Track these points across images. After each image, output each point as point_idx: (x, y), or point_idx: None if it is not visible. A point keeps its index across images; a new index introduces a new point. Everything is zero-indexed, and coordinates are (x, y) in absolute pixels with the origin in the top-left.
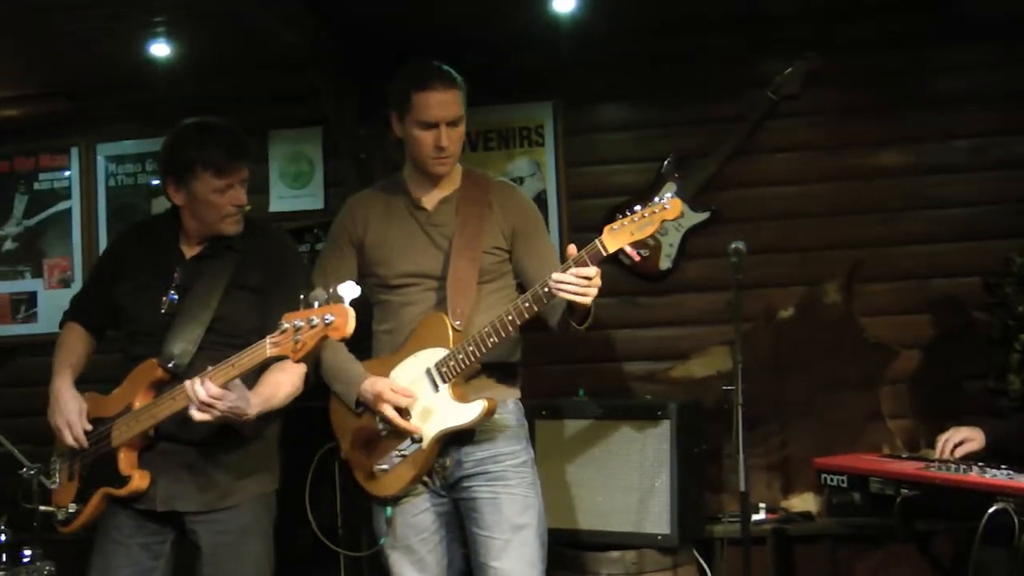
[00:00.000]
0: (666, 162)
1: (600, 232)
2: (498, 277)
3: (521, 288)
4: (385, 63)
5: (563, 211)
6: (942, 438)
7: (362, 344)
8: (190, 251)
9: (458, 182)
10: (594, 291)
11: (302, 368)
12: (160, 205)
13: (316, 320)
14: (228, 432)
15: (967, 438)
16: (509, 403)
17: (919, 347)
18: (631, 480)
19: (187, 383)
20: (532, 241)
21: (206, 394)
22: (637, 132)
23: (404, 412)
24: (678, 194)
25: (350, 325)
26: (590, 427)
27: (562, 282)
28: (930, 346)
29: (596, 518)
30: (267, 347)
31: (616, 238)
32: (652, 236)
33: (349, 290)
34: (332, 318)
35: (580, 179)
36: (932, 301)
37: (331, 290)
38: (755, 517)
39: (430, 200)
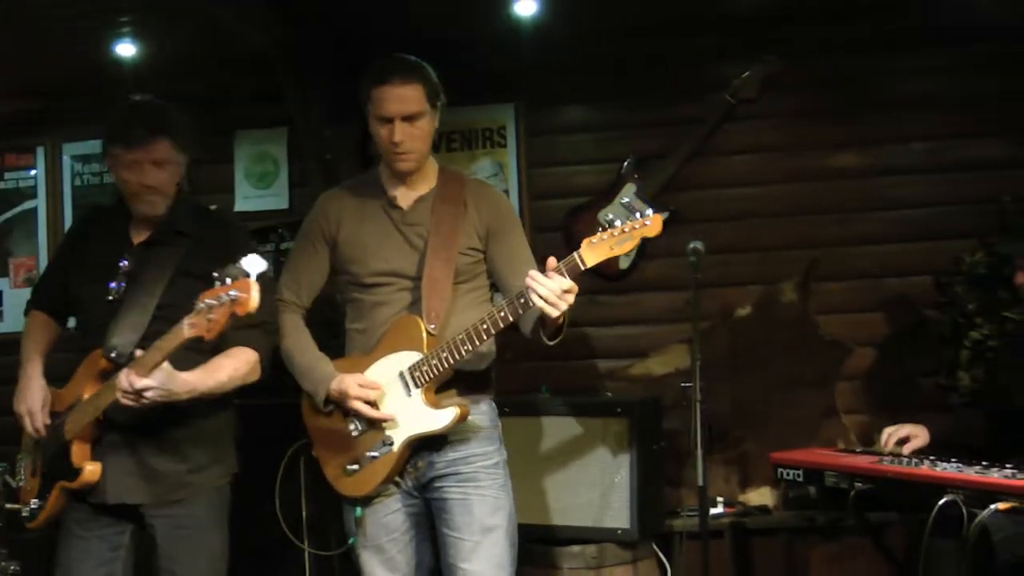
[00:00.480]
0: (626, 163)
1: (567, 235)
2: (473, 277)
3: (495, 288)
4: (350, 64)
5: (525, 211)
6: (886, 431)
7: (332, 343)
8: (138, 237)
9: (434, 181)
10: (566, 304)
11: (249, 355)
12: None
13: (224, 297)
14: (178, 424)
15: (911, 434)
16: (483, 405)
17: (873, 345)
18: (592, 476)
19: (120, 373)
20: (507, 241)
21: (130, 385)
22: (597, 134)
23: (373, 405)
24: (639, 194)
25: (253, 299)
26: (552, 424)
27: (538, 283)
28: (884, 344)
29: (557, 513)
30: (184, 328)
31: (595, 252)
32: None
33: (253, 263)
34: (236, 294)
35: (542, 180)
36: (885, 300)
37: (238, 265)
38: (713, 511)
39: (405, 199)
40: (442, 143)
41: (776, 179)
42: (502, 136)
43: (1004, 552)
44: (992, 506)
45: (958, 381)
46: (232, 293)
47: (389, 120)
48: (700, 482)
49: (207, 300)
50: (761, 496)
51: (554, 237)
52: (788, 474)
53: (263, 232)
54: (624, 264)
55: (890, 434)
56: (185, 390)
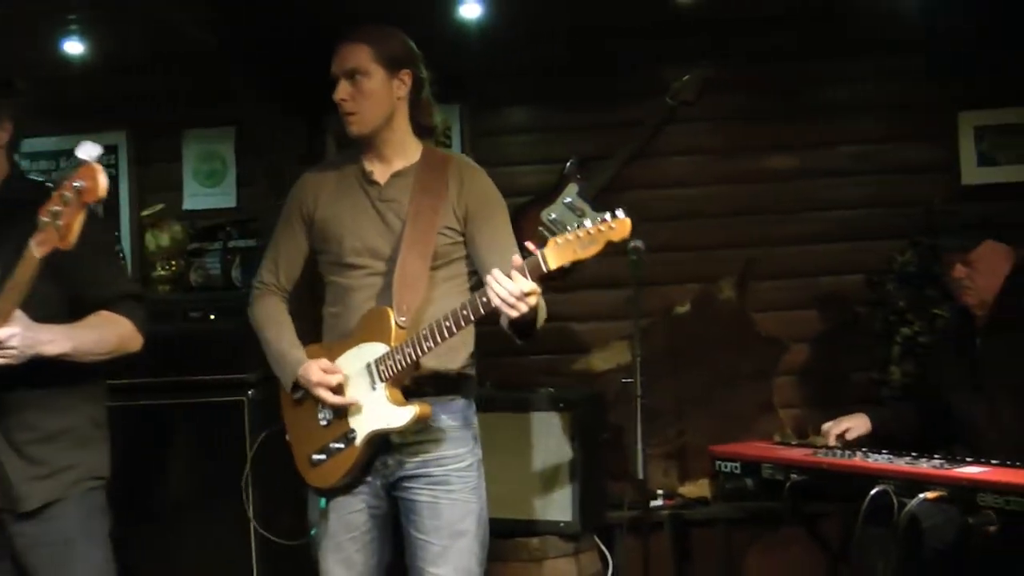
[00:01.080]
0: (568, 164)
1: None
2: (449, 263)
3: (475, 275)
4: (296, 65)
5: None
6: (826, 427)
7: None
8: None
9: (415, 157)
10: (526, 307)
11: (119, 319)
12: None
13: (68, 195)
14: (30, 421)
15: (851, 427)
16: (455, 404)
17: (808, 341)
18: (534, 469)
19: None
20: (488, 226)
21: None
22: (541, 135)
23: (339, 390)
24: (581, 194)
25: (102, 182)
26: (495, 419)
27: (497, 283)
28: (818, 340)
29: (501, 506)
30: (33, 249)
31: (560, 254)
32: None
33: (87, 149)
34: (81, 183)
35: None
36: (820, 298)
37: (69, 160)
38: (653, 503)
39: (382, 173)
40: None
41: (714, 180)
42: (448, 137)
43: (932, 539)
44: (921, 495)
45: (890, 376)
46: (77, 184)
47: (336, 80)
48: (640, 475)
49: (50, 208)
50: (700, 488)
51: None
52: (726, 467)
53: (211, 230)
54: None
55: (829, 430)
56: (49, 338)
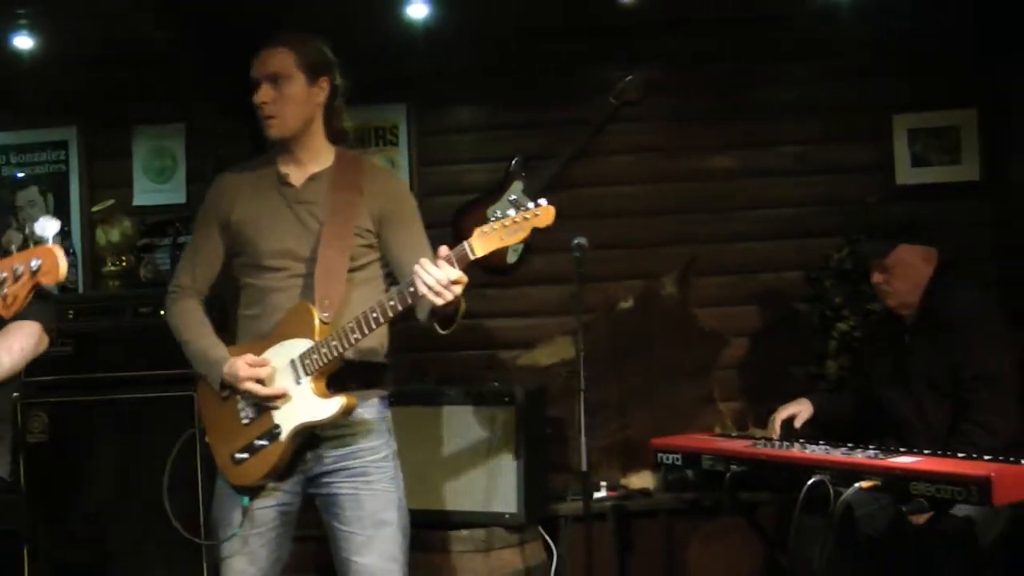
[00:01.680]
0: (513, 162)
1: (457, 231)
2: (366, 265)
3: (390, 278)
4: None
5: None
6: (772, 416)
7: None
8: None
9: (328, 161)
10: (451, 295)
11: (30, 327)
12: (24, 198)
13: (21, 268)
14: None
15: (794, 412)
16: (373, 399)
17: (747, 336)
18: (480, 462)
19: None
20: (402, 227)
21: None
22: (486, 134)
23: (266, 383)
24: (526, 191)
25: (61, 268)
26: (440, 413)
27: (425, 271)
28: (757, 335)
29: (447, 498)
30: None
31: (486, 242)
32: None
33: (47, 226)
34: (39, 262)
35: (433, 177)
36: (759, 294)
37: (27, 231)
38: (597, 495)
39: (297, 176)
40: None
41: (656, 179)
42: (394, 135)
43: (865, 527)
44: (856, 484)
45: (826, 370)
46: (35, 262)
47: (258, 84)
48: (584, 467)
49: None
50: (642, 480)
51: (445, 233)
52: (668, 458)
53: (161, 226)
54: (511, 258)
55: (775, 418)
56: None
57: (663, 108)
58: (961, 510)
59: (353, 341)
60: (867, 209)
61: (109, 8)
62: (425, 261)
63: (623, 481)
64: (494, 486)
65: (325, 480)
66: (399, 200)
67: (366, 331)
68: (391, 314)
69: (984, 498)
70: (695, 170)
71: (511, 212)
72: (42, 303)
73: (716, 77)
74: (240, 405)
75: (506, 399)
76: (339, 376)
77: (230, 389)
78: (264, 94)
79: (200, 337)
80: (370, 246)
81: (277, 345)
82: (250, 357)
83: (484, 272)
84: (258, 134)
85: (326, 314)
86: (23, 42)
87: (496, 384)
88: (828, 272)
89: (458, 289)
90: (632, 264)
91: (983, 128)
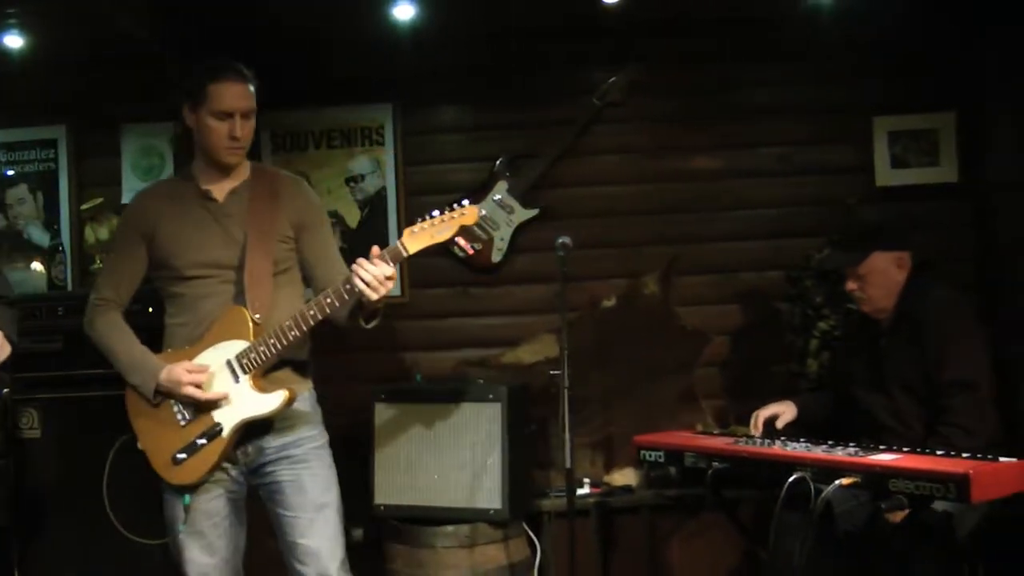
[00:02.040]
0: (498, 162)
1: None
2: (288, 269)
3: (306, 281)
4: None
5: (401, 207)
6: (755, 415)
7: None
8: None
9: (246, 174)
10: (386, 289)
11: None
12: (13, 196)
13: None
14: None
15: (777, 412)
16: (304, 392)
17: (729, 334)
18: (465, 459)
19: None
20: (316, 234)
21: None
22: (471, 134)
23: (204, 387)
24: (511, 191)
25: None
26: (426, 410)
27: (363, 268)
28: (739, 333)
29: (432, 495)
30: None
31: (416, 240)
32: (483, 231)
33: None
34: None
35: (418, 177)
36: (741, 293)
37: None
38: (580, 491)
39: (220, 191)
40: (323, 141)
41: (639, 179)
42: (380, 135)
43: (844, 523)
44: (836, 482)
45: (807, 368)
46: None
47: (229, 115)
48: (568, 464)
49: None
50: (625, 477)
51: None
52: (650, 456)
53: None
54: (496, 257)
55: (757, 416)
56: None
57: (647, 109)
58: (939, 505)
59: (292, 338)
60: (847, 210)
61: (98, 8)
62: (363, 260)
63: (606, 478)
64: (478, 482)
65: (268, 469)
66: (313, 208)
67: (304, 328)
68: (328, 311)
69: (963, 495)
70: (678, 170)
71: (435, 212)
72: (2, 310)
73: (699, 79)
74: (175, 408)
75: (491, 396)
76: (273, 372)
77: (163, 395)
78: (242, 128)
79: (129, 347)
80: (291, 250)
81: (211, 348)
82: (188, 364)
83: (470, 271)
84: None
85: (258, 315)
86: (13, 41)
87: (481, 381)
88: (809, 272)
89: (391, 284)
90: (615, 263)
91: (961, 130)
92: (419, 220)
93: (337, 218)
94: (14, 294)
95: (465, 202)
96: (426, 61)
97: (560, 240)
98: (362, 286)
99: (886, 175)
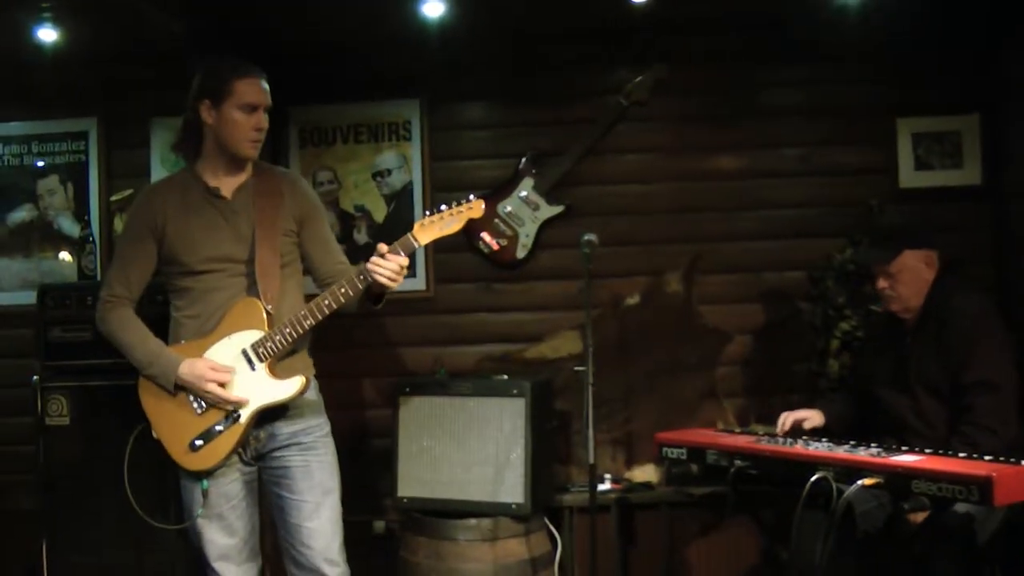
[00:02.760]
0: (524, 159)
1: (465, 226)
2: (292, 262)
3: (305, 271)
4: (261, 56)
5: (427, 202)
6: (783, 416)
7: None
8: None
9: (250, 172)
10: (401, 278)
11: None
12: (44, 187)
13: None
14: None
15: (805, 416)
16: (313, 382)
17: (751, 333)
18: (488, 453)
19: None
20: (317, 227)
21: None
22: (498, 130)
23: (224, 387)
24: (536, 188)
25: None
26: (450, 403)
27: (381, 265)
28: (760, 332)
29: (455, 488)
30: None
31: (426, 232)
32: (508, 227)
33: None
34: None
35: (444, 172)
36: (763, 292)
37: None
38: (600, 487)
39: (227, 188)
40: (350, 135)
41: (663, 178)
42: (407, 130)
43: (864, 523)
44: (859, 482)
45: (828, 368)
46: None
47: (255, 108)
48: (591, 460)
49: None
50: (645, 473)
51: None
52: (672, 453)
53: None
54: (521, 254)
55: (787, 418)
56: None
57: (671, 109)
58: (960, 507)
59: (307, 326)
60: (870, 211)
61: (130, 3)
62: (376, 259)
63: (627, 474)
64: (501, 477)
65: (277, 454)
66: (315, 205)
67: (319, 316)
68: (343, 300)
69: (985, 498)
70: (701, 170)
71: (443, 206)
72: None
73: (723, 79)
74: (191, 396)
75: (515, 392)
76: (285, 360)
77: (181, 388)
78: (265, 121)
79: (145, 341)
80: (294, 243)
81: (225, 338)
82: (212, 362)
83: (494, 267)
84: (279, 127)
85: (270, 306)
86: (46, 35)
87: (505, 377)
88: (831, 272)
89: (405, 273)
90: (638, 261)
91: (985, 133)
92: (427, 213)
93: (364, 212)
94: None
95: (471, 196)
96: (453, 58)
97: (586, 237)
98: (384, 280)
99: (909, 177)
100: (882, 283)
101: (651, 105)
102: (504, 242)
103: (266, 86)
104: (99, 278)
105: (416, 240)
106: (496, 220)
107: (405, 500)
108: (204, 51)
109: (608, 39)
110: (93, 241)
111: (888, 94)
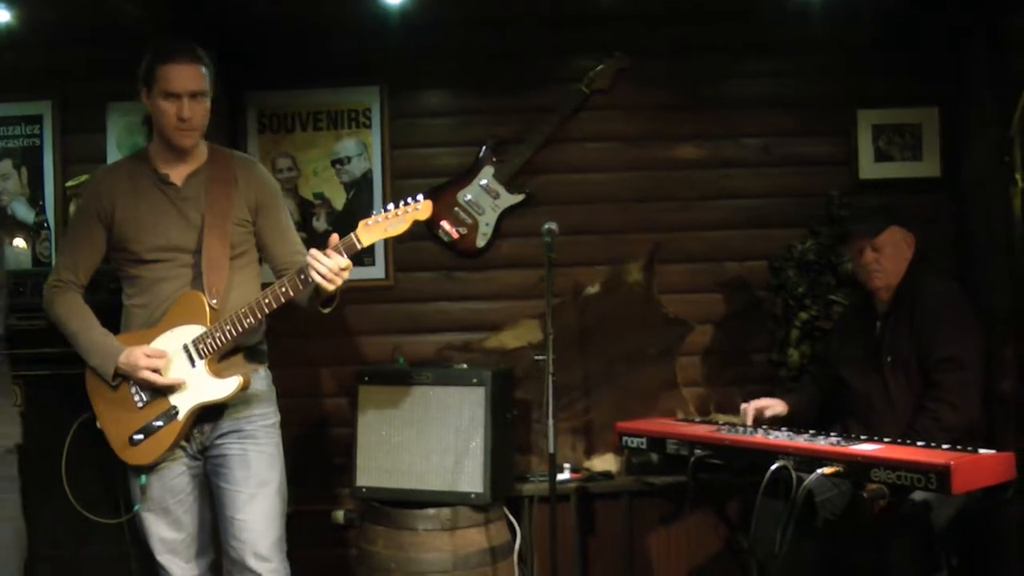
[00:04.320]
0: (484, 147)
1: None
2: (245, 252)
3: (262, 261)
4: (218, 41)
5: (387, 190)
6: (745, 405)
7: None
8: None
9: (204, 157)
10: (341, 280)
11: None
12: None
13: None
14: None
15: (768, 405)
16: (261, 371)
17: (711, 322)
18: (447, 442)
19: None
20: (273, 215)
21: None
22: (458, 118)
23: (159, 374)
24: (496, 177)
25: None
26: (409, 393)
27: (318, 261)
28: (721, 322)
29: (414, 478)
30: None
31: (370, 233)
32: (469, 215)
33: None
34: None
35: (404, 160)
36: (723, 282)
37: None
38: (560, 477)
39: (178, 175)
40: (309, 123)
41: (625, 167)
42: (367, 117)
43: (824, 511)
44: (818, 470)
45: (788, 358)
46: None
47: (177, 96)
48: (551, 449)
49: None
50: (605, 463)
51: None
52: (632, 442)
53: None
54: (481, 242)
55: (749, 406)
56: None
57: (633, 97)
58: (918, 495)
59: (247, 324)
60: (830, 202)
61: None
62: (316, 252)
63: (586, 463)
64: (461, 466)
65: (218, 442)
66: (272, 191)
67: (259, 315)
68: (283, 299)
69: (943, 486)
70: (663, 159)
71: (390, 206)
72: None
73: (685, 69)
74: (133, 390)
75: (475, 381)
76: (229, 355)
77: (122, 376)
78: (189, 109)
79: (89, 329)
80: (248, 233)
81: (168, 332)
82: (148, 348)
83: (454, 255)
84: (237, 112)
85: (214, 300)
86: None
87: (464, 366)
88: (791, 262)
89: (347, 275)
90: (599, 250)
91: (944, 126)
92: (374, 213)
93: (324, 200)
94: (3, 280)
95: (420, 196)
96: (414, 45)
97: (547, 226)
98: (318, 278)
99: (869, 168)
100: (868, 255)
101: (613, 94)
102: (464, 231)
103: (196, 70)
104: (54, 265)
105: (359, 241)
106: (456, 208)
107: (364, 490)
108: (160, 34)
109: (570, 27)
110: (48, 227)
111: (849, 86)
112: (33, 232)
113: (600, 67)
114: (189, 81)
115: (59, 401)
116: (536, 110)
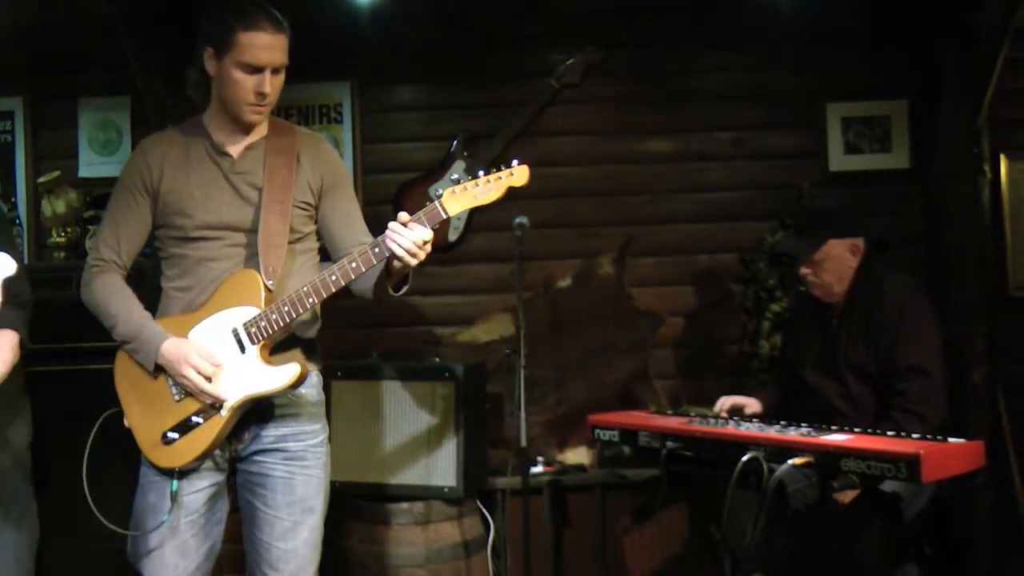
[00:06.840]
0: (455, 141)
1: (397, 208)
2: (305, 237)
3: (323, 251)
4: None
5: (358, 185)
6: (721, 400)
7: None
8: None
9: (264, 130)
10: (424, 255)
11: (9, 337)
12: None
13: None
14: None
15: (744, 403)
16: (313, 376)
17: (683, 315)
18: (420, 437)
19: None
20: (340, 198)
21: None
22: (429, 112)
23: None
24: (468, 171)
25: None
26: (382, 387)
27: (399, 233)
28: (692, 314)
29: (387, 472)
30: None
31: (457, 201)
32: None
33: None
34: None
35: (375, 155)
36: (695, 274)
37: None
38: (533, 470)
39: (235, 146)
40: (280, 117)
41: (595, 160)
42: (338, 113)
43: (795, 501)
44: (789, 461)
45: (759, 349)
46: None
47: (258, 69)
48: (523, 443)
49: None
50: (577, 455)
51: (386, 210)
52: (604, 435)
53: (106, 198)
54: (452, 236)
55: (724, 401)
56: None
57: (603, 91)
58: (888, 485)
59: (309, 305)
60: (800, 194)
61: None
62: (396, 224)
63: (559, 456)
64: (433, 460)
65: (258, 459)
66: (338, 172)
67: (323, 295)
68: (352, 276)
69: (913, 475)
70: (634, 153)
71: (481, 172)
72: (18, 311)
73: (656, 62)
74: (170, 381)
75: (446, 374)
76: (283, 351)
77: (160, 368)
78: (270, 84)
79: (130, 313)
80: (310, 217)
81: (216, 314)
82: (202, 348)
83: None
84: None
85: (270, 280)
86: None
87: (437, 360)
88: (762, 255)
89: (428, 248)
90: (570, 244)
91: (913, 118)
92: (463, 180)
93: None
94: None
95: (515, 161)
96: (385, 40)
97: (517, 220)
98: (401, 253)
99: (838, 160)
100: (805, 270)
101: (584, 88)
102: (436, 225)
103: (281, 40)
104: (26, 262)
105: (444, 210)
106: (427, 203)
107: (337, 484)
108: (131, 29)
109: (541, 21)
110: (20, 224)
111: (819, 79)
112: None
113: (571, 61)
114: (273, 53)
115: (36, 400)
116: (507, 105)
